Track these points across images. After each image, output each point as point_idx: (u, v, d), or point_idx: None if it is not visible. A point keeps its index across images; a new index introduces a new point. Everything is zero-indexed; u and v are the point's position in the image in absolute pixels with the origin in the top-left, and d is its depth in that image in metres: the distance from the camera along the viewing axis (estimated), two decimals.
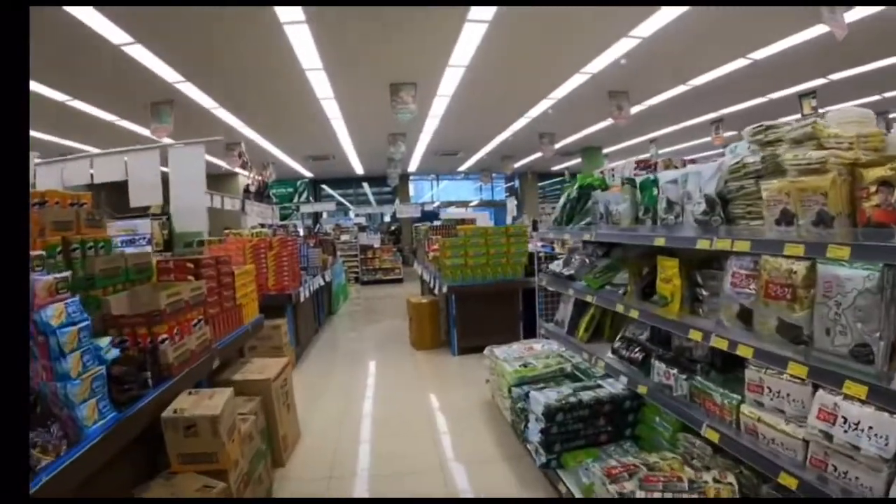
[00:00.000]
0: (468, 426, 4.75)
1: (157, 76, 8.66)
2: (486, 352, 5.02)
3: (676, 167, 3.57)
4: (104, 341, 2.50)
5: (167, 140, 10.38)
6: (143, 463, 2.93)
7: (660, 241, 2.95)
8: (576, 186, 4.39)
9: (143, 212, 8.45)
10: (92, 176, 5.83)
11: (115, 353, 2.52)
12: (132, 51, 7.55)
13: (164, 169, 5.69)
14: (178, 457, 2.78)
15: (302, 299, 7.32)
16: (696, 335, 2.61)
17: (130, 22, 6.68)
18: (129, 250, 10.57)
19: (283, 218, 15.41)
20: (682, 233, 2.81)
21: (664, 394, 2.93)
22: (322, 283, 9.35)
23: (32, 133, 12.35)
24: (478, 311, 7.00)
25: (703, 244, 2.55)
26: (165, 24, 6.80)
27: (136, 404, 2.54)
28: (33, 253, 2.56)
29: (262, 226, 13.03)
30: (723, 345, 2.42)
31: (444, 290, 6.96)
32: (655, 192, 3.11)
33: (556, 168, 24.26)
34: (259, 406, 3.75)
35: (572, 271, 4.20)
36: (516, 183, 27.13)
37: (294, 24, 6.88)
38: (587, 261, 4.22)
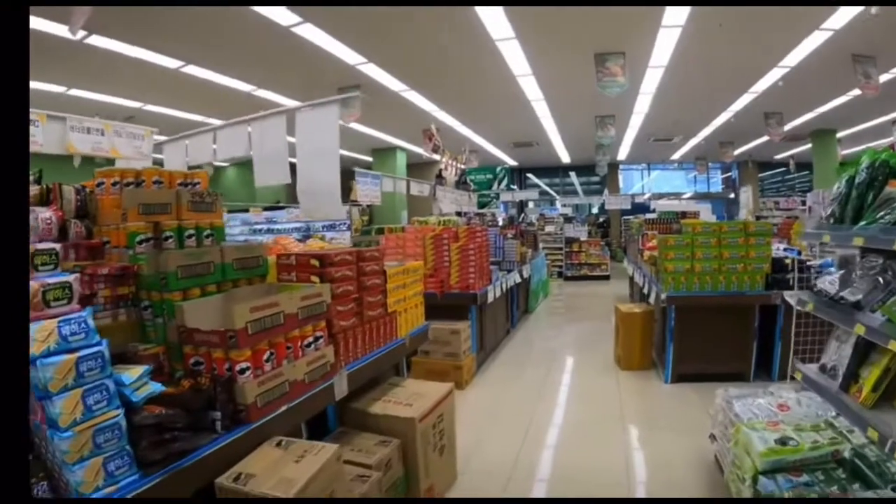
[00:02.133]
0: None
1: (341, 60, 8.47)
2: (718, 399, 3.57)
3: None
4: (135, 371, 1.73)
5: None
6: None
7: None
8: (863, 167, 2.77)
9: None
10: (214, 152, 5.30)
11: (153, 388, 1.75)
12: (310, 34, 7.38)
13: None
14: None
15: (490, 299, 6.42)
16: None
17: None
18: (330, 235, 10.92)
19: (481, 206, 14.69)
20: None
21: None
22: (518, 279, 8.39)
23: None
24: (701, 330, 5.45)
25: None
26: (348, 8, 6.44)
27: (181, 462, 1.76)
28: (41, 246, 1.93)
29: (459, 214, 12.49)
30: None
31: (662, 299, 5.50)
32: None
33: (779, 157, 20.72)
34: (396, 452, 2.85)
35: (858, 295, 2.63)
36: (734, 173, 23.59)
37: None
38: (881, 280, 2.62)
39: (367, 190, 6.75)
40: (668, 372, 5.59)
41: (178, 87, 9.83)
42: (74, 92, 10.02)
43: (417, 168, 18.71)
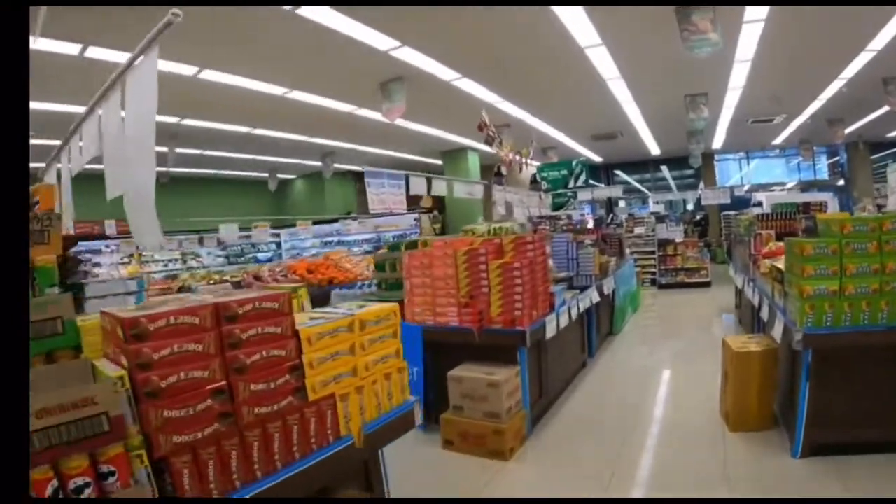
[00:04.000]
0: None
1: (374, 47, 7.26)
2: None
3: None
4: None
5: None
6: None
7: None
8: None
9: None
10: None
11: None
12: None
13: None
14: None
15: (551, 333, 4.82)
16: None
17: None
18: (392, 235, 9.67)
19: (556, 208, 12.89)
20: None
21: None
22: (597, 298, 6.70)
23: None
24: (852, 381, 3.62)
25: None
26: None
27: None
28: None
29: (534, 219, 10.82)
30: None
31: (797, 340, 3.59)
32: None
33: (892, 134, 17.44)
34: None
35: None
36: (841, 157, 20.30)
37: None
38: None
39: (385, 195, 5.36)
40: (798, 440, 3.73)
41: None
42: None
43: (511, 176, 17.29)
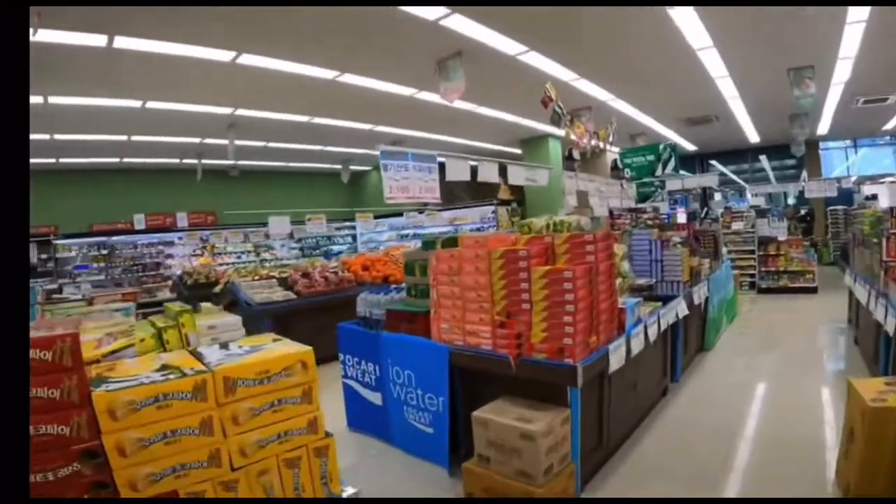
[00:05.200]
0: None
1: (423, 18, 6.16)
2: None
3: None
4: None
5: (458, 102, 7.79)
6: None
7: None
8: None
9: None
10: None
11: None
12: None
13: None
14: None
15: (617, 365, 3.56)
16: None
17: None
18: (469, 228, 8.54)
19: (641, 199, 11.25)
20: None
21: None
22: (685, 312, 5.29)
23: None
24: None
25: None
26: None
27: None
28: None
29: (615, 212, 9.37)
30: None
31: None
32: None
33: None
34: None
35: None
36: None
37: None
38: None
39: (409, 180, 4.27)
40: None
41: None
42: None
43: (588, 162, 15.85)
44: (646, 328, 4.05)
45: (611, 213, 10.05)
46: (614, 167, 13.11)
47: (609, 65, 8.59)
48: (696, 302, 5.88)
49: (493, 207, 15.01)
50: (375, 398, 4.63)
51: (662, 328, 4.47)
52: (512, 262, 3.36)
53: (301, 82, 8.44)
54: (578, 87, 9.40)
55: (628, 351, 3.67)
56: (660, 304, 4.71)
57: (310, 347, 1.69)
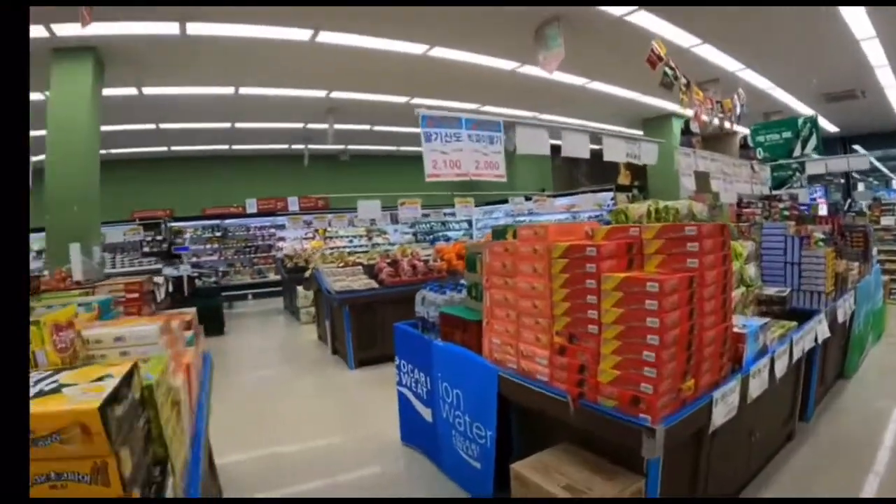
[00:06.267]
0: None
1: None
2: None
3: None
4: None
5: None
6: None
7: None
8: None
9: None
10: None
11: None
12: None
13: None
14: None
15: (725, 417, 2.46)
16: None
17: None
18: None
19: (777, 184, 9.38)
20: None
21: None
22: (825, 334, 3.92)
23: None
24: None
25: None
26: None
27: None
28: None
29: (745, 201, 7.82)
30: None
31: None
32: None
33: None
34: None
35: None
36: None
37: None
38: None
39: (460, 153, 3.41)
40: None
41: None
42: None
43: (711, 140, 14.15)
44: (772, 361, 2.92)
45: (740, 201, 8.49)
46: (743, 145, 11.32)
47: (736, 26, 7.12)
48: (841, 319, 4.52)
49: (611, 194, 13.77)
50: (426, 414, 3.89)
51: (795, 357, 3.29)
52: (577, 264, 2.42)
53: (392, 59, 7.83)
54: (700, 54, 7.99)
55: (744, 396, 2.60)
56: (794, 324, 3.51)
57: (95, 407, 0.99)
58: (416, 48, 7.56)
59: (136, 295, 2.97)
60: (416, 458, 4.05)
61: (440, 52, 7.80)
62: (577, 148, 4.93)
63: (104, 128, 10.21)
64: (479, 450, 3.13)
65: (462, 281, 4.39)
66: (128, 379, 1.23)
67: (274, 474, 4.04)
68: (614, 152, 5.50)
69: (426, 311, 4.17)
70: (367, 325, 6.85)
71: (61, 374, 1.25)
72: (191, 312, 3.12)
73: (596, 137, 5.08)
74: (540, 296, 2.60)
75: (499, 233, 3.45)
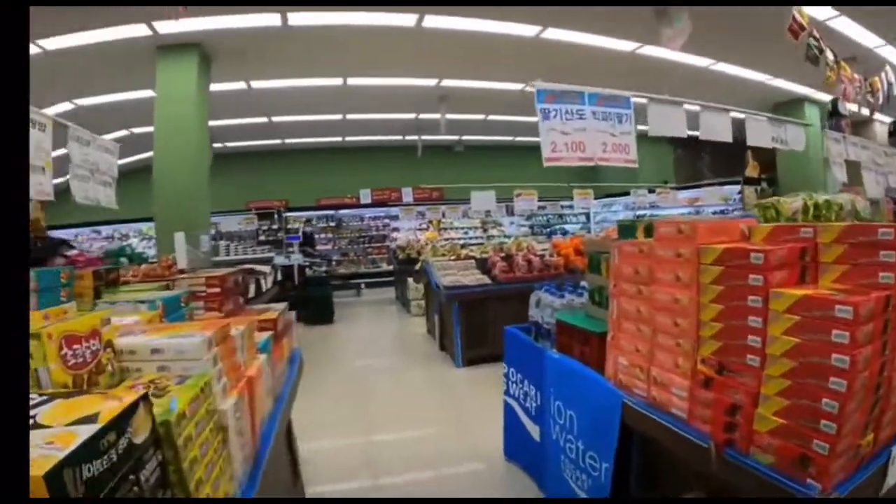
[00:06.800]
0: None
1: None
2: None
3: None
4: None
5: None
6: None
7: None
8: None
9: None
10: None
11: None
12: None
13: None
14: None
15: (895, 480, 1.90)
16: None
17: None
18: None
19: None
20: None
21: None
22: None
23: None
24: None
25: None
26: None
27: None
28: None
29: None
30: None
31: None
32: None
33: None
34: None
35: None
36: None
37: None
38: None
39: (584, 132, 2.91)
40: None
41: None
42: None
43: (857, 126, 12.51)
44: None
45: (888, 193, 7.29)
46: (892, 132, 9.72)
47: None
48: None
49: (738, 187, 12.55)
50: (534, 431, 3.49)
51: None
52: (736, 274, 1.90)
53: (502, 43, 7.41)
54: (837, 27, 6.83)
55: None
56: None
57: (40, 474, 0.72)
58: (528, 30, 7.09)
59: (217, 290, 2.78)
60: (518, 476, 3.71)
61: (554, 34, 7.27)
62: (717, 130, 4.29)
63: (218, 122, 10.72)
64: (590, 482, 2.69)
65: (582, 283, 3.89)
66: (122, 420, 0.95)
67: (364, 467, 3.97)
68: (759, 136, 4.77)
69: (541, 316, 3.74)
70: (477, 323, 6.55)
71: (50, 405, 1.01)
72: (279, 309, 2.95)
73: (735, 120, 4.38)
74: (683, 311, 2.10)
75: (626, 228, 2.95)
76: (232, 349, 1.80)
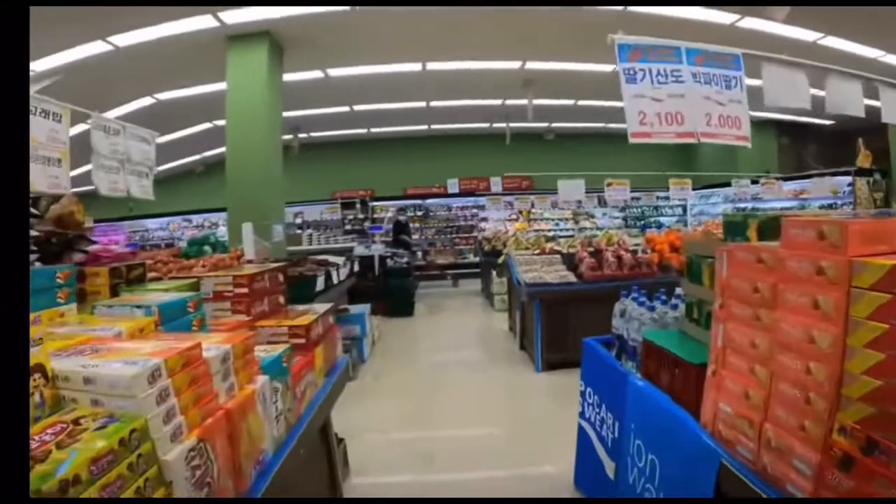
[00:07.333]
0: None
1: None
2: None
3: None
4: None
5: None
6: None
7: None
8: None
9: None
10: None
11: None
12: None
13: None
14: None
15: None
16: None
17: None
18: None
19: None
20: None
21: None
22: None
23: None
24: None
25: None
26: None
27: None
28: None
29: None
30: None
31: None
32: None
33: None
34: None
35: None
36: None
37: None
38: None
39: (682, 99, 2.29)
40: None
41: None
42: None
43: None
44: None
45: None
46: None
47: None
48: None
49: (848, 178, 11.30)
50: (609, 467, 2.94)
51: None
52: None
53: (586, 18, 6.76)
54: None
55: None
56: None
57: None
58: (612, 8, 6.39)
59: (244, 290, 2.44)
60: None
61: (642, 8, 6.48)
62: (848, 101, 3.48)
63: (298, 112, 10.68)
64: None
65: (678, 289, 3.22)
66: None
67: (419, 462, 3.87)
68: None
69: (626, 329, 3.14)
70: (560, 325, 6.01)
71: None
72: (320, 311, 2.60)
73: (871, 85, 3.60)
74: (821, 355, 1.47)
75: (735, 226, 2.31)
76: (203, 375, 1.43)
